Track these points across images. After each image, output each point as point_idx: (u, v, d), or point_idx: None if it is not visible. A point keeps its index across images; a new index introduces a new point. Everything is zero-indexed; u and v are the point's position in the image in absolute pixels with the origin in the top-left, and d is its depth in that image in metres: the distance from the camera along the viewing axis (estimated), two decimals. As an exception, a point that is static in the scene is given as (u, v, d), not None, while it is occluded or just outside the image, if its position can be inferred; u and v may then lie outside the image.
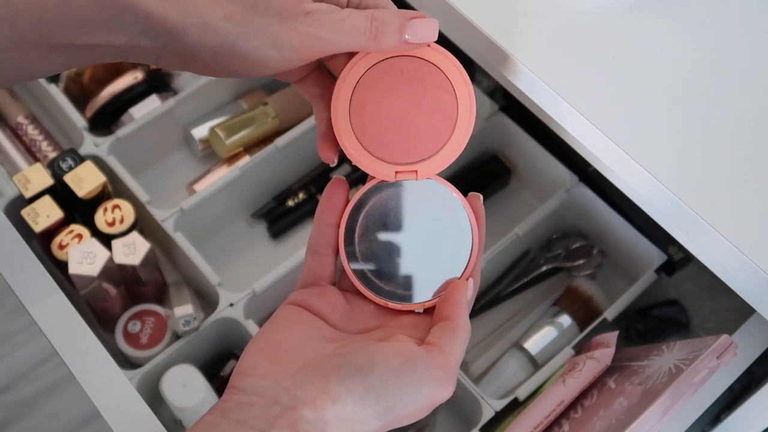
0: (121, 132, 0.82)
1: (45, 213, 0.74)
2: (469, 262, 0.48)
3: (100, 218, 0.75)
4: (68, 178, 0.75)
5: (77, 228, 0.74)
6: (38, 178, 0.75)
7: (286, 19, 0.41)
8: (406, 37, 0.43)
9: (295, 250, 0.77)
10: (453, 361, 0.43)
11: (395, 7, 0.46)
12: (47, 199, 0.74)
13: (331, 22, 0.42)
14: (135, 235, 0.72)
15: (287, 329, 0.44)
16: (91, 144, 0.81)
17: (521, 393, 0.71)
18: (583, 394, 0.68)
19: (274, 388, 0.40)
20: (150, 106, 0.86)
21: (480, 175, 0.88)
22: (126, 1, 0.40)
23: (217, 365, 0.77)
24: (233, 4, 0.41)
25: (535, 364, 0.77)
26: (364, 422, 0.40)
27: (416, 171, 0.47)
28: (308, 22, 0.42)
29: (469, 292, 0.47)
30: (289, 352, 0.43)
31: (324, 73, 0.48)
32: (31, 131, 0.87)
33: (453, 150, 0.47)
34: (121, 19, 0.40)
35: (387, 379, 0.41)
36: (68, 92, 0.87)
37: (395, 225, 0.48)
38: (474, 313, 0.81)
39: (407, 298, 0.48)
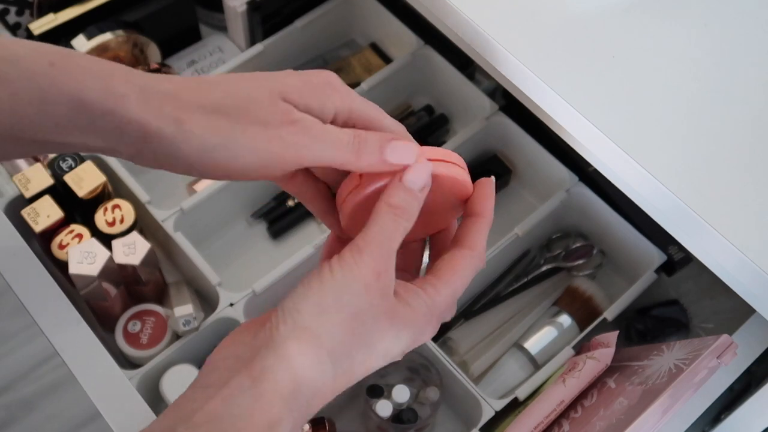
0: (121, 132, 0.82)
1: (45, 213, 0.74)
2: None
3: (100, 218, 0.75)
4: (68, 178, 0.75)
5: (77, 228, 0.74)
6: (38, 177, 0.75)
7: (271, 128, 0.42)
8: (387, 157, 0.43)
9: (295, 250, 0.77)
10: (362, 242, 0.42)
11: (390, 120, 0.47)
12: (47, 199, 0.74)
13: (315, 133, 0.42)
14: (135, 235, 0.72)
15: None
16: (91, 144, 0.81)
17: (521, 393, 0.71)
18: (583, 394, 0.68)
19: (236, 350, 0.41)
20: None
21: (480, 175, 0.88)
22: (107, 108, 0.40)
23: (217, 365, 0.76)
24: (218, 115, 0.41)
25: (535, 364, 0.77)
26: (310, 328, 0.39)
27: None
28: (293, 131, 0.42)
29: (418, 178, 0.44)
30: (260, 324, 0.42)
31: (309, 172, 0.48)
32: (31, 131, 0.87)
33: None
34: (100, 124, 0.40)
35: (309, 284, 0.40)
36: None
37: None
38: (474, 313, 0.81)
39: None
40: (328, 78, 0.45)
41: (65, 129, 0.40)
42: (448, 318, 0.45)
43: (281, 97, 0.42)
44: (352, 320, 0.40)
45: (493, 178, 0.50)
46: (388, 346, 0.42)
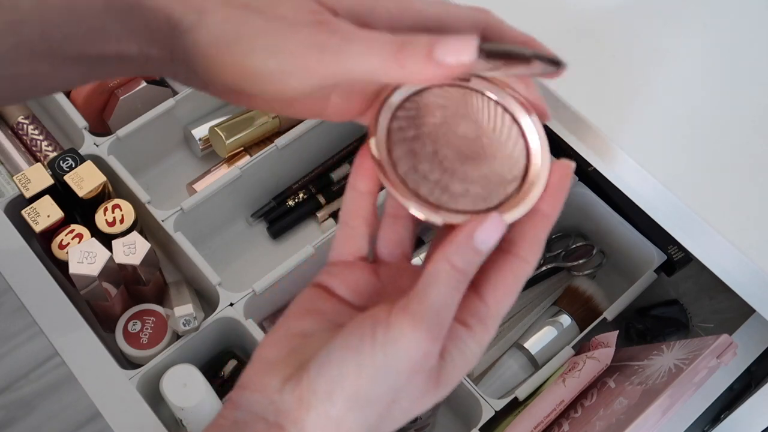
0: (122, 132, 0.82)
1: (45, 213, 0.74)
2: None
3: (101, 218, 0.75)
4: (68, 178, 0.75)
5: (77, 228, 0.74)
6: (38, 177, 0.75)
7: (293, 25, 0.36)
8: (436, 54, 0.34)
9: (295, 250, 0.77)
10: (409, 305, 0.36)
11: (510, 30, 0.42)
12: (47, 199, 0.74)
13: (345, 33, 0.35)
14: (135, 235, 0.72)
15: (292, 327, 0.41)
16: (91, 144, 0.81)
17: (521, 393, 0.71)
18: (583, 394, 0.68)
19: (263, 402, 0.37)
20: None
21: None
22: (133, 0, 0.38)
23: (217, 365, 0.77)
24: (242, 9, 0.37)
25: (535, 363, 0.77)
26: (342, 422, 0.36)
27: None
28: (318, 30, 0.36)
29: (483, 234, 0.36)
30: (288, 355, 0.39)
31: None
32: (32, 131, 0.87)
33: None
34: (129, 21, 0.38)
35: (346, 364, 0.36)
36: (68, 92, 0.87)
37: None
38: (474, 313, 0.81)
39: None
40: None
41: (98, 34, 0.39)
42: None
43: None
44: (389, 405, 0.37)
45: (573, 163, 0.39)
46: (424, 407, 0.38)
